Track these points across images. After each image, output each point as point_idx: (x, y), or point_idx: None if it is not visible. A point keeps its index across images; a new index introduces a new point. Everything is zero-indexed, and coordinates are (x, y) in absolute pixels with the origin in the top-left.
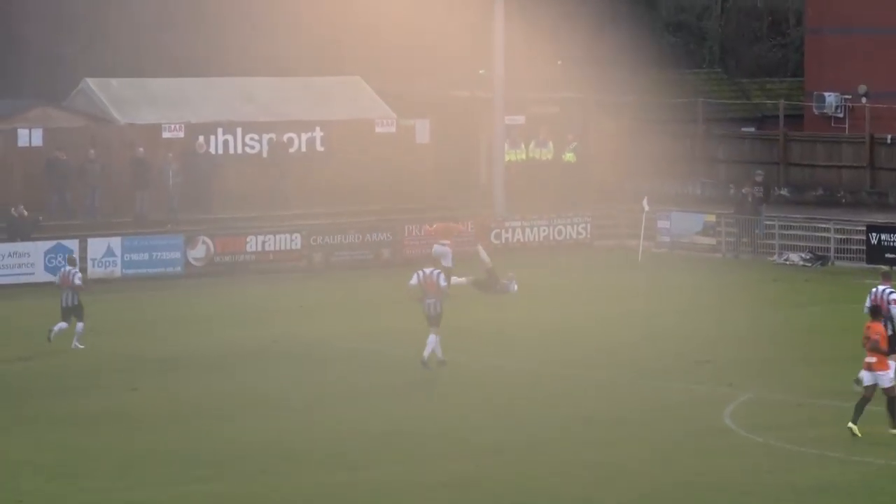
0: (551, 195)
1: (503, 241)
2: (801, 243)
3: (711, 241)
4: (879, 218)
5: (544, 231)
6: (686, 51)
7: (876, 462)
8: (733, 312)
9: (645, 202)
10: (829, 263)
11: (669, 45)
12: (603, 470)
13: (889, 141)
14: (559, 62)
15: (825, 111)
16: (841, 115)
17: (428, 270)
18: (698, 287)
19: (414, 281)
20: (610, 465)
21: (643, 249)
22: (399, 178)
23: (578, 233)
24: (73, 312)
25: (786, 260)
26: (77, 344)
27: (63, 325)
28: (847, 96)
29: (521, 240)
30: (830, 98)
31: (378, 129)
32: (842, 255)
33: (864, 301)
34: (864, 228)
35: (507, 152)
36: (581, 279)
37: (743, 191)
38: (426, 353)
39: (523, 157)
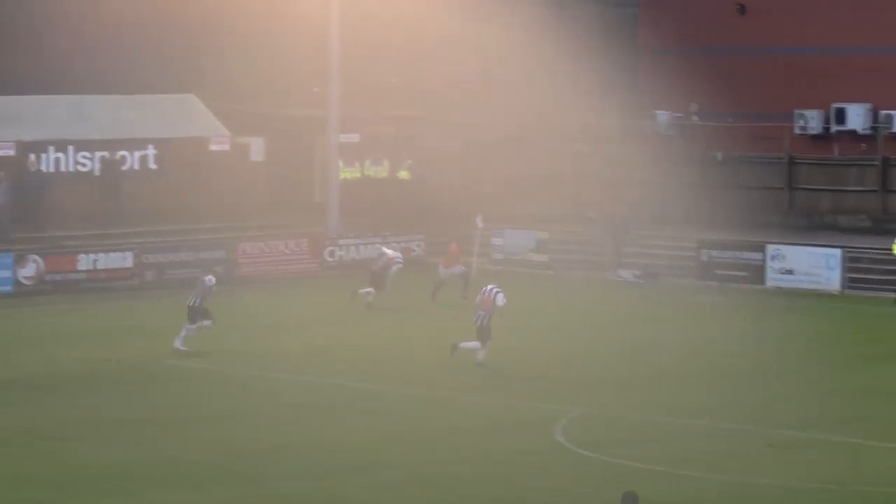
0: (386, 213)
1: (337, 258)
2: (635, 260)
3: (544, 258)
4: (710, 234)
5: (378, 249)
6: None
7: (706, 477)
8: (565, 330)
9: (479, 220)
10: (661, 279)
11: None
12: (434, 487)
13: (720, 158)
14: (393, 80)
15: (658, 129)
16: (673, 134)
17: (488, 287)
18: (532, 304)
19: (477, 299)
20: (442, 480)
21: (477, 266)
22: (233, 196)
23: (413, 250)
24: None
25: (618, 276)
26: None
27: None
28: (679, 115)
29: (356, 257)
30: (663, 116)
31: (212, 147)
32: (673, 271)
33: (692, 316)
34: (695, 245)
35: (341, 170)
36: (416, 297)
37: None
38: (463, 345)
39: (358, 175)
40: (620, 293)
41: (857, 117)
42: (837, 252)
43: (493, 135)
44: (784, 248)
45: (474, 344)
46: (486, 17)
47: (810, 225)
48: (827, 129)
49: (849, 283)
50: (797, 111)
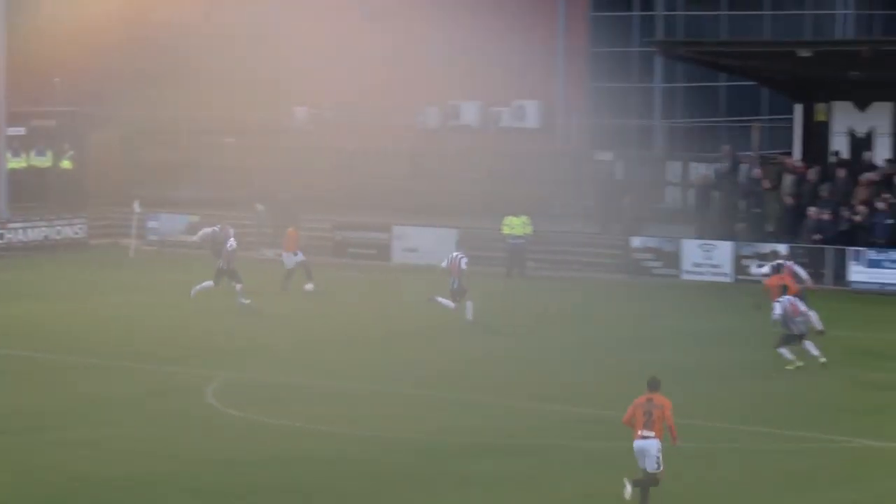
0: (51, 199)
1: (6, 241)
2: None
3: (195, 238)
4: (343, 217)
5: (44, 231)
6: None
7: (348, 433)
8: (206, 303)
9: (136, 204)
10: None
11: None
12: (94, 448)
13: (350, 149)
14: (57, 79)
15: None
16: (311, 129)
17: (454, 254)
18: (179, 281)
19: (445, 264)
20: (104, 443)
21: (135, 247)
22: None
23: (76, 232)
24: None
25: (262, 255)
26: None
27: None
28: (315, 111)
29: (23, 239)
30: (301, 112)
31: None
32: (312, 251)
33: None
34: (330, 226)
35: (9, 161)
36: (77, 276)
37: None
38: (440, 299)
39: (24, 164)
40: (265, 269)
41: (470, 113)
42: (454, 232)
43: (150, 126)
44: (408, 229)
45: (447, 302)
46: (137, 19)
47: (431, 208)
48: (445, 124)
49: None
50: (417, 108)
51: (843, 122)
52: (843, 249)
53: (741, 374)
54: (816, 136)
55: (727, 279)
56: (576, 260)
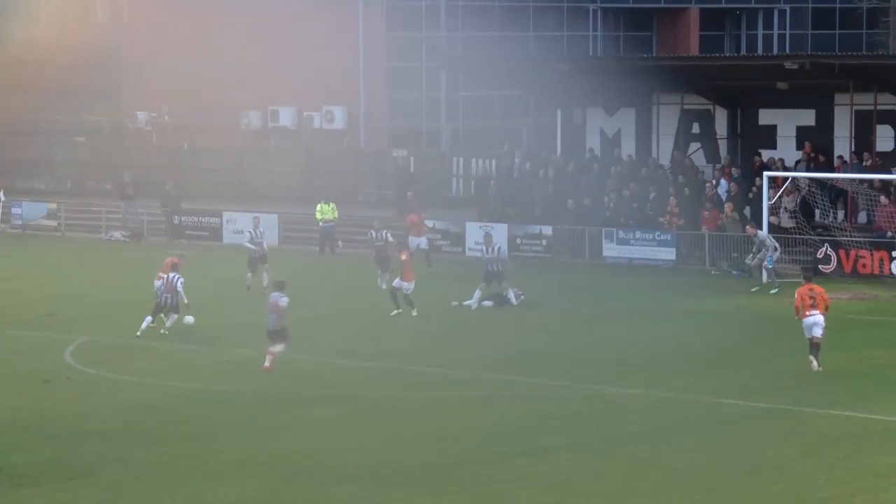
0: None
1: None
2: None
3: (54, 223)
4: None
5: None
6: None
7: (178, 385)
8: (64, 275)
9: (1, 193)
10: (143, 239)
11: None
12: None
13: (186, 147)
14: None
15: (140, 125)
16: (150, 129)
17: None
18: (40, 259)
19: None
20: None
21: (1, 230)
22: None
23: None
24: None
25: (110, 237)
26: None
27: None
28: (154, 114)
29: None
30: (142, 115)
31: None
32: (153, 232)
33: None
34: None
35: None
36: None
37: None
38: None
39: None
40: (112, 249)
41: (287, 117)
42: (275, 217)
43: (11, 128)
44: (235, 214)
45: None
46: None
47: (255, 196)
48: (266, 126)
49: (284, 240)
50: (242, 112)
51: (596, 124)
52: (599, 230)
53: (517, 332)
54: (574, 135)
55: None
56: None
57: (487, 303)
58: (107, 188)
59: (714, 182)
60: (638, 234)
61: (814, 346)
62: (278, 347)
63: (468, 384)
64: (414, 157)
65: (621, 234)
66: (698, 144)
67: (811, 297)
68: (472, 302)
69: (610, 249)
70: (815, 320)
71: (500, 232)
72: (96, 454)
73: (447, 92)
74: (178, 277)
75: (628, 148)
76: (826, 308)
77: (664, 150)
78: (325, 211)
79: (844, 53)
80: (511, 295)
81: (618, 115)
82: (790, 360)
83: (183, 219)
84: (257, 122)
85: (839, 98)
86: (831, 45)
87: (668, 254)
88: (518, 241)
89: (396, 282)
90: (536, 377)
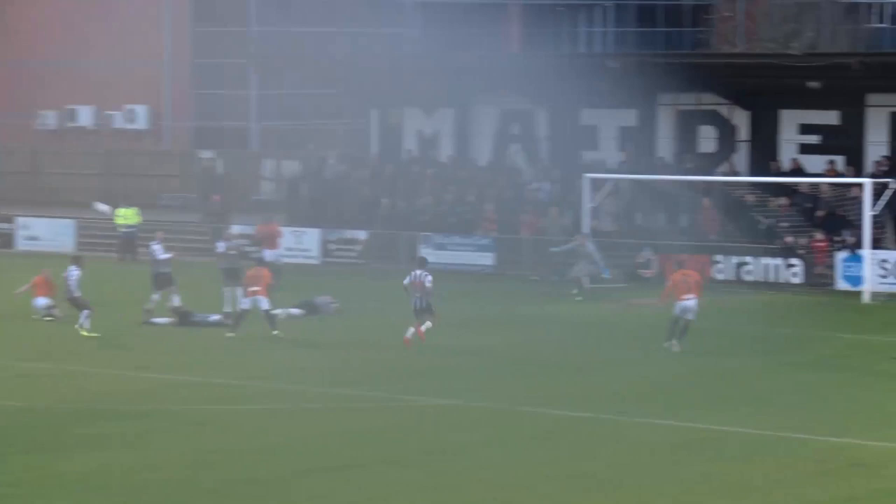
0: None
1: None
2: None
3: None
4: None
5: None
6: None
7: None
8: None
9: None
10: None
11: None
12: None
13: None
14: None
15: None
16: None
17: (417, 272)
18: None
19: (406, 281)
20: None
21: None
22: None
23: None
24: None
25: None
26: None
27: None
28: None
29: None
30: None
31: None
32: None
33: None
34: None
35: None
36: None
37: None
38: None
39: None
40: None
41: (86, 116)
42: (72, 222)
43: None
44: (30, 220)
45: (427, 324)
46: None
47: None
48: (62, 125)
49: (81, 246)
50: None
51: (413, 124)
52: (415, 234)
53: (346, 344)
54: (392, 136)
55: (315, 261)
56: (182, 246)
57: (296, 311)
58: None
59: (536, 186)
60: (457, 240)
61: (683, 330)
62: (426, 325)
63: (276, 397)
64: (221, 159)
65: (439, 238)
66: (518, 146)
67: (685, 283)
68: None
69: (427, 254)
70: (690, 305)
71: (312, 237)
72: None
73: (258, 90)
74: None
75: (447, 149)
76: (700, 292)
77: (482, 151)
78: (126, 216)
79: (668, 52)
80: (323, 302)
81: (436, 115)
82: (618, 368)
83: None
84: (53, 121)
85: (663, 98)
86: (655, 43)
87: (488, 259)
88: (331, 246)
89: (248, 302)
90: (351, 389)
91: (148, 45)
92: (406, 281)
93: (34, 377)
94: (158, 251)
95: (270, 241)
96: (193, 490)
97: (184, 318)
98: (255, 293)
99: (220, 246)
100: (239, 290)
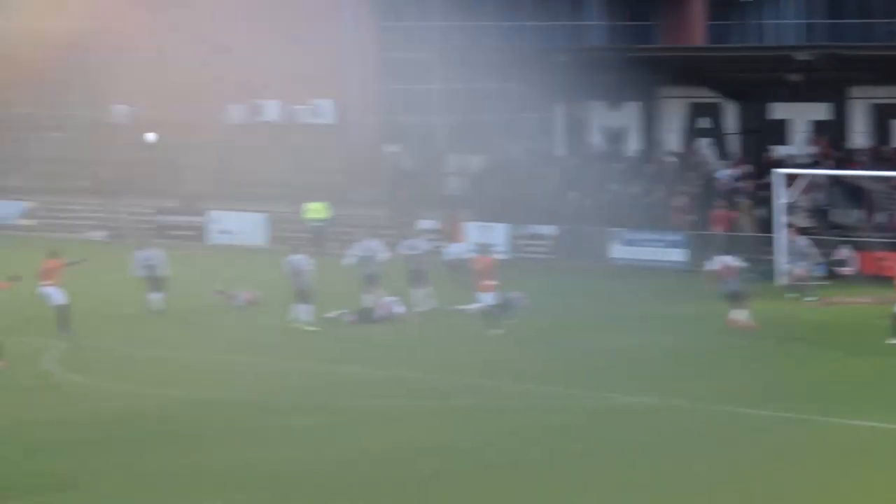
0: None
1: None
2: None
3: (33, 222)
4: (168, 204)
5: None
6: None
7: (164, 393)
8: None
9: None
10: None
11: None
12: None
13: (152, 140)
14: None
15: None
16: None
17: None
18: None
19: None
20: None
21: None
22: None
23: None
24: None
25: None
26: None
27: None
28: (134, 108)
29: None
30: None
31: None
32: (135, 232)
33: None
34: (153, 211)
35: None
36: None
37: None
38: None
39: None
40: (94, 249)
41: (272, 111)
42: (264, 216)
43: None
44: (222, 213)
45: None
46: None
47: (239, 195)
48: (250, 120)
49: (273, 240)
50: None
51: (600, 119)
52: (604, 229)
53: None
54: (577, 130)
55: (505, 256)
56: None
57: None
58: (83, 185)
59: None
60: (646, 235)
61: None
62: (744, 313)
63: (472, 392)
64: (408, 154)
65: (628, 234)
66: (707, 140)
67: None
68: (469, 308)
69: (617, 250)
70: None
71: (500, 232)
72: (79, 466)
73: (443, 85)
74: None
75: (633, 143)
76: None
77: (670, 146)
78: (315, 210)
79: (860, 45)
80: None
81: (622, 109)
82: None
83: (167, 218)
84: (240, 116)
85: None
86: (845, 36)
87: (679, 255)
88: (519, 241)
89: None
90: (551, 385)
91: (334, 40)
92: (711, 267)
93: (221, 370)
94: (378, 249)
95: (455, 235)
96: (406, 481)
97: (365, 316)
98: (487, 287)
99: (407, 245)
100: (423, 292)
